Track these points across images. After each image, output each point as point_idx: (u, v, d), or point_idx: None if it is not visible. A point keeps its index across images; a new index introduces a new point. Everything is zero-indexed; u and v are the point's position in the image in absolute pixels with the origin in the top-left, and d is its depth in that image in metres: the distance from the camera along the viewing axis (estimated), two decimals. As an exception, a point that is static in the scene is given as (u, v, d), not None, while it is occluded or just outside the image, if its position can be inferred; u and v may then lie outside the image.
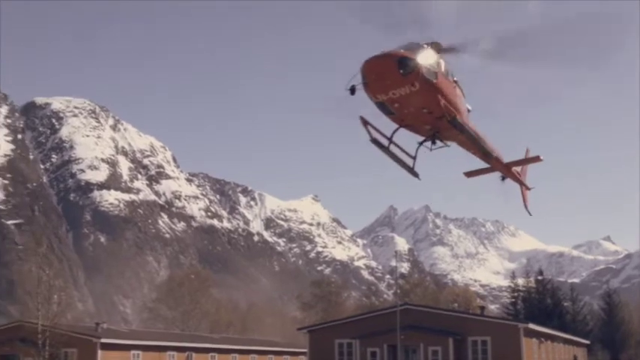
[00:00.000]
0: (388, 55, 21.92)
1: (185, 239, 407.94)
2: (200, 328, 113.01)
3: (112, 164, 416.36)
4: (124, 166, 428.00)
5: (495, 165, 28.92)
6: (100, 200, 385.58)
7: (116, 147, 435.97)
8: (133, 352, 66.06)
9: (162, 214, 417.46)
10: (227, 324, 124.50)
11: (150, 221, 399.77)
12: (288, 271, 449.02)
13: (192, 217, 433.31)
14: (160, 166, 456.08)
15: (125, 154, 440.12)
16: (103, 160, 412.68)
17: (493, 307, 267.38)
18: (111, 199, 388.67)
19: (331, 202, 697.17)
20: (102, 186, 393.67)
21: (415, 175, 26.54)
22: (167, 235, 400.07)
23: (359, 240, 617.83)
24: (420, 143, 25.61)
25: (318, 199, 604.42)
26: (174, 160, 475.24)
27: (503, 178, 30.39)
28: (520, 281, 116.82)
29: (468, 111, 26.09)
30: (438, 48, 23.54)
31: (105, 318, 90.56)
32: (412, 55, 22.07)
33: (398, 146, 25.85)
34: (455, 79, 24.45)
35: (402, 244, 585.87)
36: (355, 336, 63.60)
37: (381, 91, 22.27)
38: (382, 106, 23.02)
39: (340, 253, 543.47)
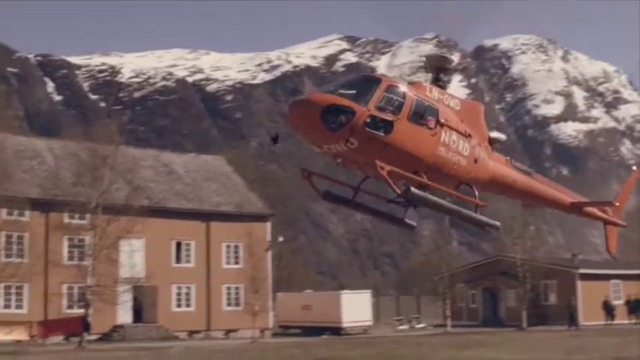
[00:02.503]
0: (310, 103, 14.83)
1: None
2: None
3: (567, 95, 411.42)
4: (579, 96, 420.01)
5: (550, 205, 19.46)
6: (558, 133, 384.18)
7: (568, 78, 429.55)
8: (612, 281, 65.98)
9: (625, 140, 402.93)
10: None
11: (612, 149, 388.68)
12: None
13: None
14: (616, 92, 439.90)
15: (578, 83, 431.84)
16: (556, 92, 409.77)
17: None
18: (569, 130, 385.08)
19: None
20: (559, 119, 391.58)
21: (410, 227, 18.21)
22: (632, 162, 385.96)
23: None
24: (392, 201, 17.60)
25: None
26: (630, 83, 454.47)
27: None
28: None
29: (499, 142, 17.61)
30: (439, 64, 16.31)
31: (576, 250, 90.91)
32: (347, 100, 14.63)
33: (374, 194, 18.12)
34: (454, 107, 16.02)
35: None
36: None
37: (312, 143, 15.54)
38: (328, 155, 16.06)
39: None
